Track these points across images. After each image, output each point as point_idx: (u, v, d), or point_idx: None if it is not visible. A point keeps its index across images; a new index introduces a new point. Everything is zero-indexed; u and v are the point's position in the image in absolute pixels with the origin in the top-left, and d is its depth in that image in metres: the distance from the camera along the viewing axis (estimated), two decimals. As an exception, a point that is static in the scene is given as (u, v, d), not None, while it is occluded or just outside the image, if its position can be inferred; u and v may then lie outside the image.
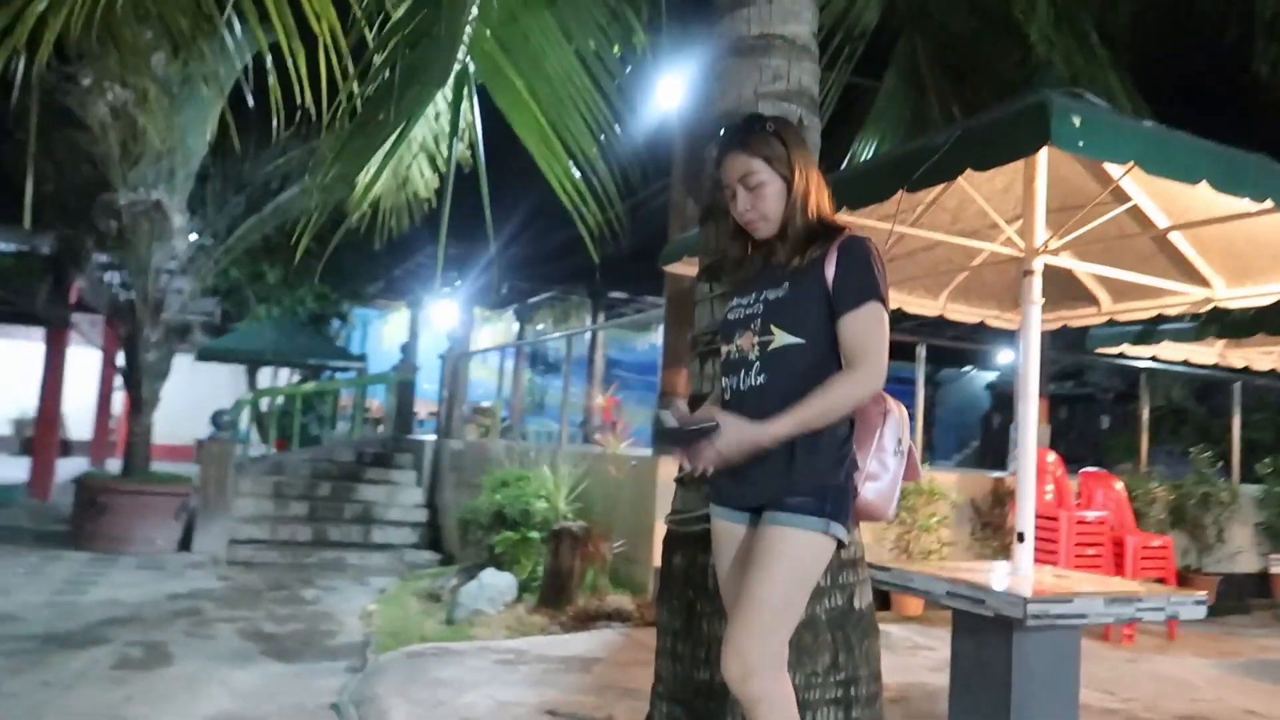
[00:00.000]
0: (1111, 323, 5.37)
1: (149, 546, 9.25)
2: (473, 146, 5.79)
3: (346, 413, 16.76)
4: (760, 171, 2.23)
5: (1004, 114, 2.88)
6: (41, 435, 13.54)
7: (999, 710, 3.79)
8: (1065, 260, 4.54)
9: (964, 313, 5.59)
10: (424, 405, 15.83)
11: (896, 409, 2.30)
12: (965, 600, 3.75)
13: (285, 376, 18.29)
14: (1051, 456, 6.99)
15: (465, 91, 4.65)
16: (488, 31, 4.39)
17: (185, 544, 9.54)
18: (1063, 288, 5.29)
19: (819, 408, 2.10)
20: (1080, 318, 5.40)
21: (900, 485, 2.28)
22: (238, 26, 5.05)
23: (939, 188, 4.71)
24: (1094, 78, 5.06)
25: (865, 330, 2.14)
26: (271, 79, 4.40)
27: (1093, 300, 5.27)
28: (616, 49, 4.47)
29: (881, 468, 2.23)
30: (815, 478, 2.14)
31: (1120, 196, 4.40)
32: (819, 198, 2.28)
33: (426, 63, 4.32)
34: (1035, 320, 4.11)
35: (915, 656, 5.88)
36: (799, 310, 2.20)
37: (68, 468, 13.78)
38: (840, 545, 2.18)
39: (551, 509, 6.76)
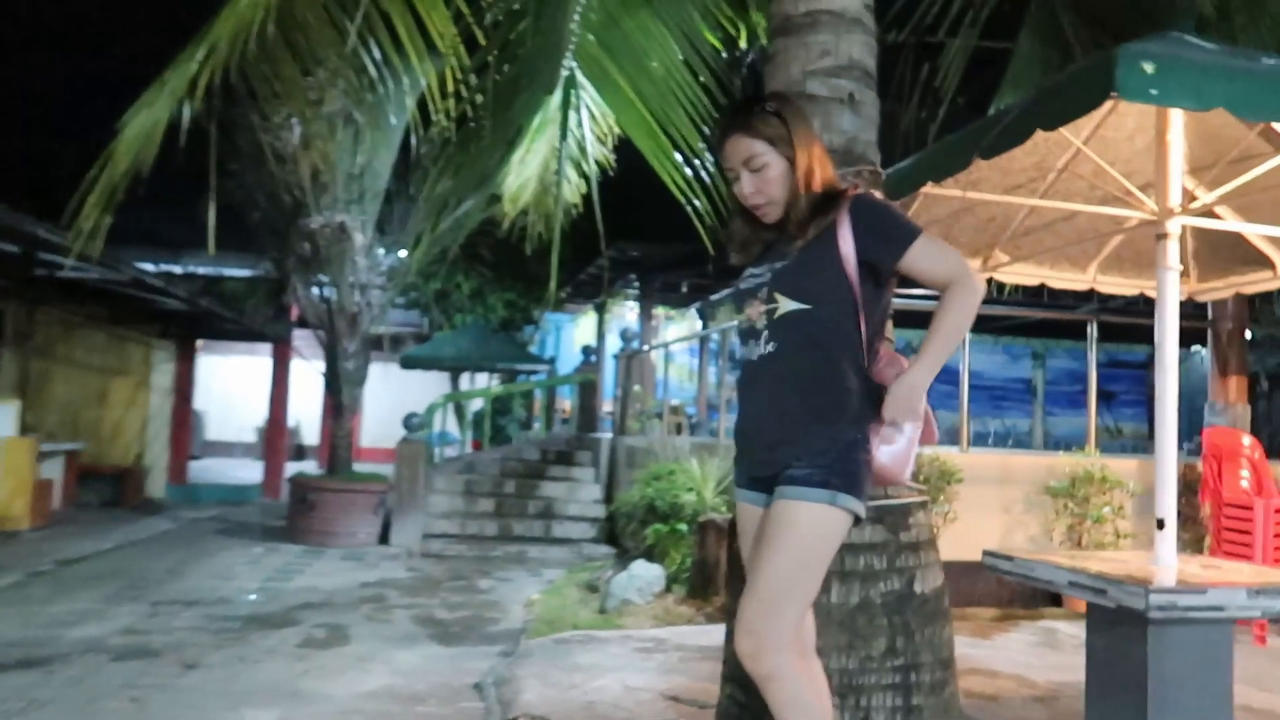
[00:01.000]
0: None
1: (352, 539, 10.10)
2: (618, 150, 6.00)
3: (540, 414, 17.56)
4: (764, 154, 2.22)
5: (1075, 69, 2.70)
6: (271, 441, 15.08)
7: (1134, 714, 3.52)
8: (1215, 221, 4.14)
9: (1119, 285, 5.19)
10: (612, 405, 16.32)
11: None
12: (1088, 591, 3.52)
13: (485, 381, 19.36)
14: (1248, 439, 6.32)
15: (573, 95, 4.85)
16: (590, 36, 4.56)
17: (384, 538, 10.34)
18: (1230, 251, 4.81)
19: (948, 329, 2.11)
20: (1254, 283, 4.88)
21: (916, 449, 2.23)
22: (377, 53, 5.47)
23: (1066, 154, 4.43)
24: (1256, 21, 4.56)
25: (934, 256, 2.14)
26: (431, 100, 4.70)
27: (1267, 263, 4.76)
28: (714, 40, 4.51)
29: (895, 430, 2.18)
30: (820, 448, 2.11)
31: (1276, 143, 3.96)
32: (822, 171, 2.25)
33: (534, 71, 4.54)
34: (1172, 289, 3.77)
35: (1078, 655, 5.49)
36: (805, 276, 2.18)
37: (299, 470, 15.29)
38: (857, 519, 2.14)
39: (700, 501, 6.84)
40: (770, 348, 2.19)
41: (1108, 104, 4.16)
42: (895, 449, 2.18)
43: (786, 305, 2.17)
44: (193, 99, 3.92)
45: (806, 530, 2.08)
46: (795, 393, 2.16)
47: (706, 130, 4.53)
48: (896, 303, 2.77)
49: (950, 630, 2.72)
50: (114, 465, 13.60)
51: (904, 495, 2.73)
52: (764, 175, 2.22)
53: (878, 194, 2.22)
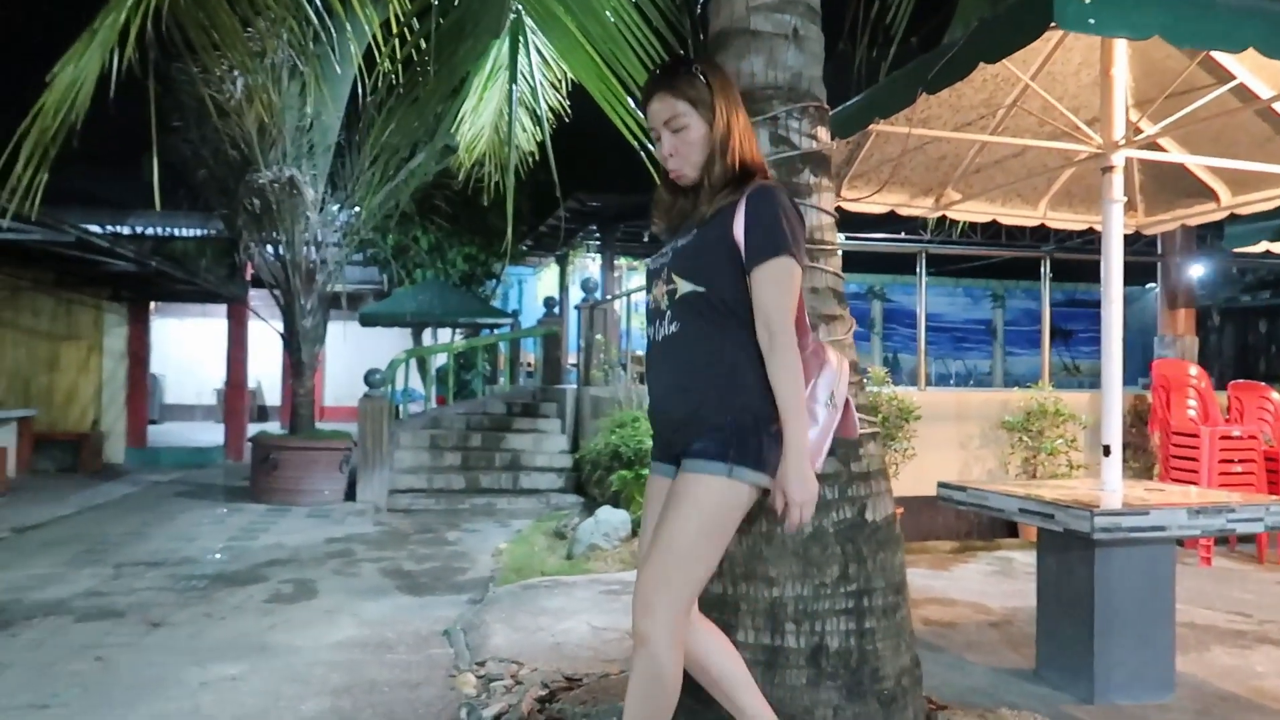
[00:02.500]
0: (1234, 218, 4.91)
1: (318, 497, 10.08)
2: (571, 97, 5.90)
3: (504, 368, 17.51)
4: (685, 115, 2.19)
5: (1018, 1, 2.70)
6: (231, 402, 14.92)
7: (1081, 630, 3.66)
8: (1159, 154, 4.20)
9: (1068, 220, 5.26)
10: (575, 357, 16.31)
11: (835, 361, 2.26)
12: (1038, 517, 3.63)
13: (448, 336, 19.25)
14: (1195, 370, 6.48)
15: (521, 39, 4.76)
16: (535, -24, 4.46)
17: (350, 495, 10.33)
18: (1175, 184, 4.88)
19: (791, 396, 2.07)
20: (1199, 214, 4.97)
21: (830, 438, 2.22)
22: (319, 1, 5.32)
23: (1015, 90, 4.46)
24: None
25: (772, 289, 2.08)
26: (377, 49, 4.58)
27: (1210, 195, 4.84)
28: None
29: (810, 419, 2.17)
30: (717, 423, 2.10)
31: (1222, 76, 4.01)
32: (743, 144, 2.21)
33: (477, 15, 4.45)
34: (1116, 221, 3.84)
35: (1032, 582, 5.66)
36: (700, 257, 2.16)
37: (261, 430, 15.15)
38: (765, 493, 2.16)
39: (663, 446, 6.88)
40: (673, 328, 2.17)
41: (1054, 38, 4.18)
42: (809, 436, 2.16)
43: (684, 286, 2.15)
44: (123, 49, 3.80)
45: (703, 503, 2.08)
46: (695, 372, 2.15)
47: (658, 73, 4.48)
48: (855, 245, 2.79)
49: (902, 556, 2.79)
50: (69, 431, 13.40)
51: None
52: (684, 137, 2.20)
53: (784, 197, 2.18)
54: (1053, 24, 2.43)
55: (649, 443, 7.13)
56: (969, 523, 6.89)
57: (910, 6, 5.25)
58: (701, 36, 5.07)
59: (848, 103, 3.65)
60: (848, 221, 4.70)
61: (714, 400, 2.11)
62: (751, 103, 2.81)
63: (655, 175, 4.90)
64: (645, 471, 7.04)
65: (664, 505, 2.14)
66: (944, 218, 5.90)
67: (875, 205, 4.95)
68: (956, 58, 2.75)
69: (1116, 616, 3.54)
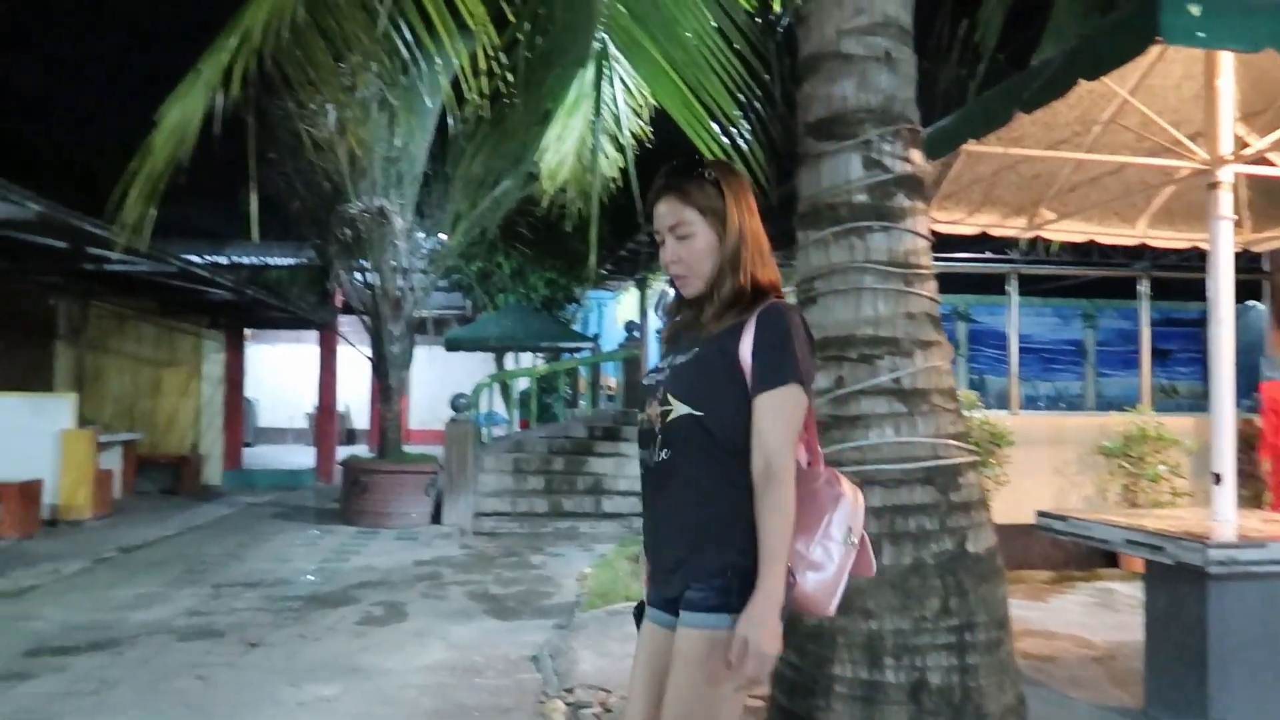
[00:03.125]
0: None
1: (405, 520, 10.26)
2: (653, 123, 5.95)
3: (585, 391, 17.62)
4: (692, 222, 1.99)
5: (1117, 15, 2.62)
6: (322, 426, 15.33)
7: (1194, 669, 3.48)
8: (1269, 169, 4.01)
9: (1170, 238, 5.06)
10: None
11: (851, 494, 2.02)
12: (1145, 549, 3.48)
13: (530, 360, 19.48)
14: (1301, 391, 6.16)
15: (606, 68, 4.81)
16: (620, 6, 4.51)
17: (437, 517, 10.48)
18: (1287, 199, 4.67)
19: (775, 540, 1.84)
20: (1314, 231, 4.74)
21: (845, 580, 1.97)
22: (409, 35, 5.46)
23: (1112, 106, 4.32)
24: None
25: (774, 420, 1.88)
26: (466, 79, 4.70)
27: (1326, 210, 4.61)
28: (747, 4, 4.43)
29: (826, 557, 1.94)
30: (715, 569, 1.89)
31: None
32: (754, 258, 2.00)
33: (564, 45, 4.52)
34: (1225, 239, 3.68)
35: (1136, 615, 5.42)
36: (699, 378, 1.96)
37: (350, 454, 15.54)
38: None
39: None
40: (664, 455, 1.96)
41: (1153, 50, 4.04)
42: (823, 577, 1.94)
43: (679, 409, 1.94)
44: (228, 88, 3.95)
45: (705, 660, 1.85)
46: (689, 508, 1.95)
47: (742, 97, 4.47)
48: (944, 267, 2.74)
49: (1004, 589, 2.69)
50: (170, 454, 13.93)
51: (953, 455, 2.70)
52: (690, 245, 2.00)
53: (789, 305, 1.97)
54: (1158, 38, 2.35)
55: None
56: (1066, 552, 6.64)
57: (999, 22, 5.16)
58: (785, 60, 5.06)
59: (939, 123, 3.59)
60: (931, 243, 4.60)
61: (709, 542, 1.91)
62: (843, 126, 2.79)
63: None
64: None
65: (671, 667, 1.91)
66: (1036, 237, 5.74)
67: (967, 227, 4.85)
68: (1055, 75, 2.68)
69: (1233, 654, 3.36)
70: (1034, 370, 19.74)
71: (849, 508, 1.99)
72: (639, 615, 2.08)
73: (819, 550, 1.94)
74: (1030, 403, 19.05)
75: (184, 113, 3.92)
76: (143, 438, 13.22)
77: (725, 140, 4.74)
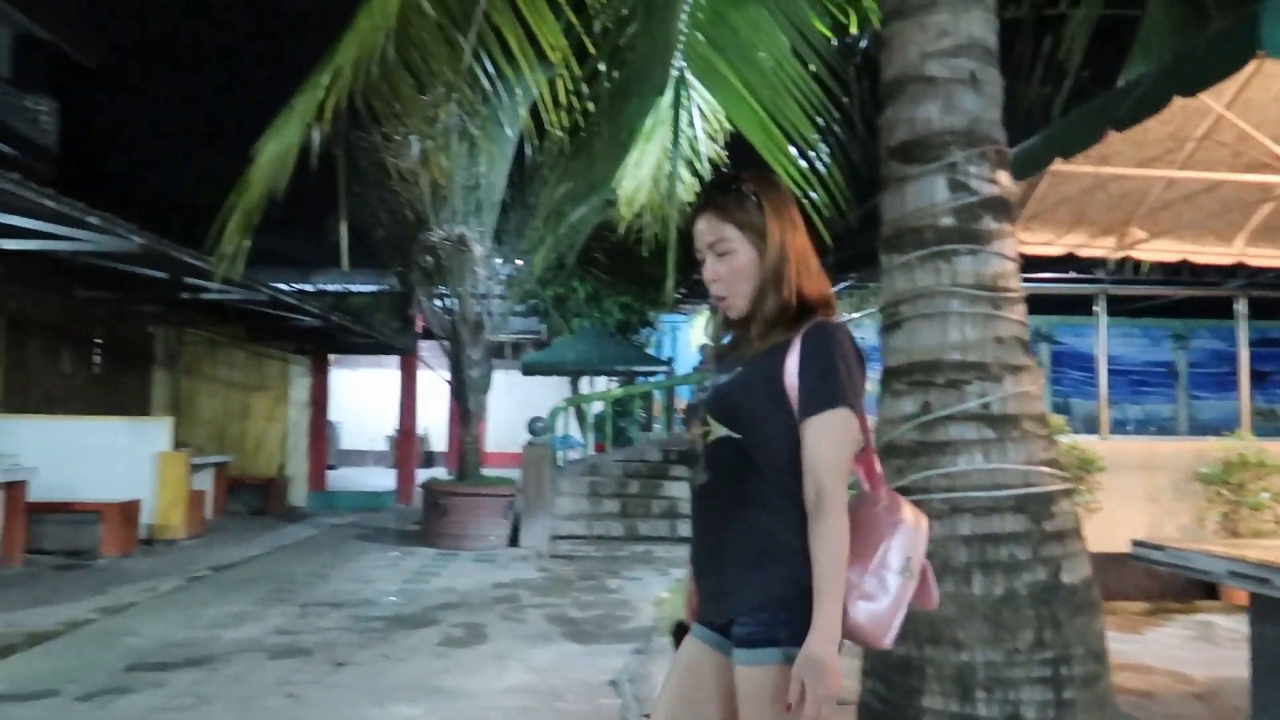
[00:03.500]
0: None
1: (484, 542, 10.38)
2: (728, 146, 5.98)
3: (660, 415, 17.64)
4: (731, 239, 1.92)
5: (1215, 30, 2.55)
6: (402, 448, 15.65)
7: (1307, 707, 3.31)
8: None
9: (1270, 256, 4.87)
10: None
11: (913, 520, 1.90)
12: (1251, 581, 3.33)
13: (604, 384, 19.58)
14: None
15: (683, 95, 4.86)
16: (698, 34, 4.56)
17: (514, 540, 10.59)
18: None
19: (831, 573, 1.75)
20: None
21: (903, 612, 1.85)
22: (490, 67, 5.59)
23: (1206, 121, 4.20)
24: None
25: (822, 445, 1.79)
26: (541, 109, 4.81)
27: None
28: (824, 28, 4.44)
29: (880, 587, 1.83)
30: (758, 602, 1.82)
31: None
32: (798, 273, 1.91)
33: (643, 74, 4.57)
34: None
35: (1238, 649, 5.18)
36: (739, 399, 1.88)
37: (430, 476, 15.82)
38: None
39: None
40: (706, 477, 1.90)
41: (1251, 65, 3.92)
42: (875, 608, 1.83)
43: (719, 431, 1.88)
44: (321, 123, 4.09)
45: (766, 697, 1.78)
46: (730, 534, 1.88)
47: (820, 121, 4.47)
48: (1030, 288, 2.68)
49: (1101, 622, 2.61)
50: (259, 476, 14.36)
51: (1046, 482, 2.64)
52: (729, 263, 1.93)
53: (838, 324, 1.89)
54: (1260, 52, 2.28)
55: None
56: (1161, 582, 6.39)
57: (1085, 39, 5.05)
58: (864, 82, 5.04)
59: (1025, 143, 3.53)
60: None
61: (750, 571, 1.84)
62: (928, 149, 2.76)
63: (818, 223, 4.87)
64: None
65: (740, 707, 1.83)
66: (1125, 257, 5.58)
67: (1054, 248, 4.74)
68: (1149, 92, 2.62)
69: (1351, 695, 3.19)
70: (1123, 393, 19.12)
71: (909, 535, 1.89)
72: (677, 635, 2.03)
73: (873, 580, 1.85)
74: (1119, 427, 18.45)
75: (280, 147, 4.07)
76: (233, 460, 13.66)
77: (803, 164, 4.75)
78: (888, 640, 1.85)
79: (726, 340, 2.03)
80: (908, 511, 1.91)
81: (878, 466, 1.99)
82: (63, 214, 6.56)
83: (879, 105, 3.15)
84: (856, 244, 6.66)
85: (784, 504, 1.83)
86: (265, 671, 5.19)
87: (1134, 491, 6.34)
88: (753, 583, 1.82)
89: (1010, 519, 2.56)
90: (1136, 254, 5.08)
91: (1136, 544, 3.82)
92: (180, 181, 18.25)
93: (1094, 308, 6.93)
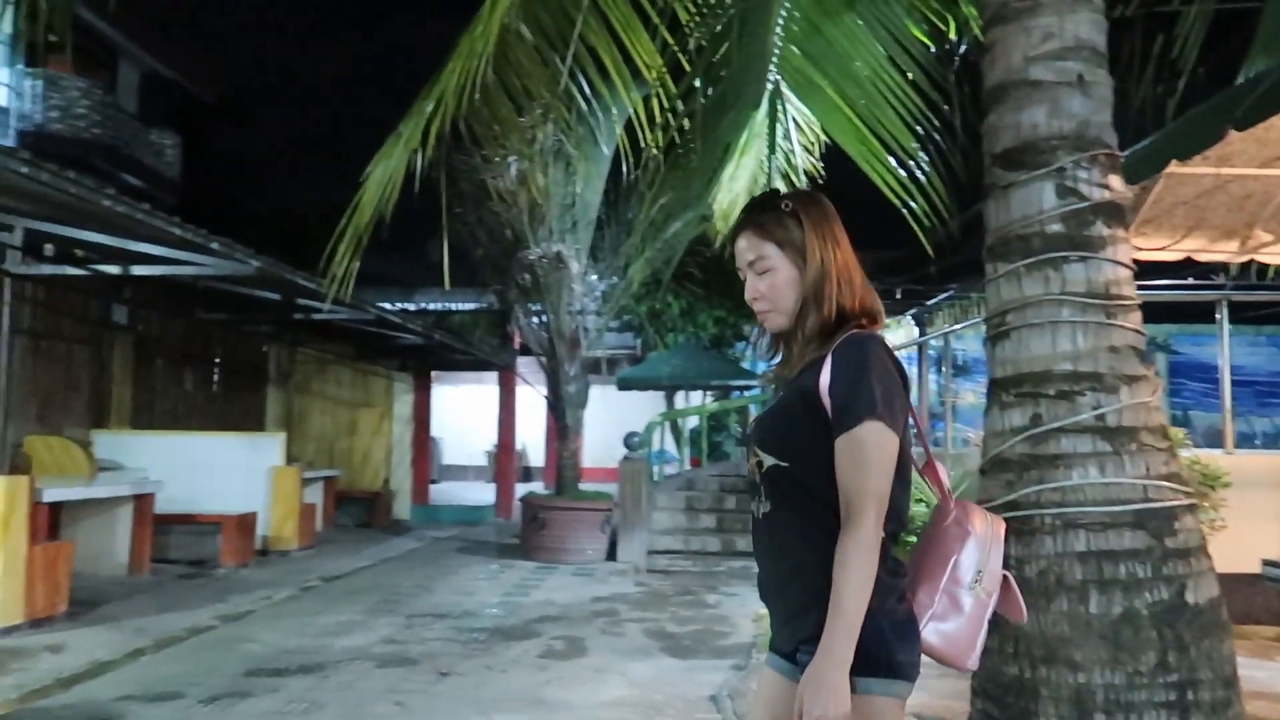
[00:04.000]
0: None
1: (581, 556, 10.48)
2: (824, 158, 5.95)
3: (755, 429, 17.53)
4: (771, 257, 1.89)
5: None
6: (501, 463, 15.93)
7: None
8: None
9: None
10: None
11: (982, 529, 1.82)
12: (1397, 604, 3.12)
13: (699, 398, 19.57)
14: None
15: (779, 108, 4.85)
16: (793, 47, 4.55)
17: (611, 554, 10.65)
18: None
19: (847, 594, 1.67)
20: None
21: (984, 630, 1.78)
22: (585, 86, 5.68)
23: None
24: None
25: (852, 462, 1.72)
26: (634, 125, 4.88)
27: None
28: (921, 35, 4.37)
29: (951, 606, 1.76)
30: (818, 631, 1.69)
31: None
32: (840, 289, 1.87)
33: (738, 88, 4.58)
34: None
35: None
36: (780, 425, 1.86)
37: (529, 491, 16.08)
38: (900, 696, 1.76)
39: (929, 511, 6.58)
40: (768, 507, 1.86)
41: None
42: (948, 628, 1.76)
43: (768, 460, 1.84)
44: (425, 148, 4.23)
45: None
46: (788, 563, 1.83)
47: (919, 129, 4.40)
48: (1146, 295, 2.58)
49: (1230, 646, 2.48)
50: (365, 490, 14.82)
51: (1167, 497, 2.52)
52: (769, 280, 1.90)
53: (890, 335, 1.93)
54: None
55: (914, 508, 6.85)
56: (1295, 605, 6.02)
57: (1200, 36, 4.84)
58: (964, 88, 4.94)
59: (1138, 145, 3.41)
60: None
61: (811, 600, 1.75)
62: (1034, 155, 2.69)
63: (919, 232, 4.78)
64: (911, 539, 6.75)
65: None
66: (1249, 261, 5.31)
67: (1171, 253, 4.55)
68: (1273, 88, 2.50)
69: None
70: (1248, 405, 18.15)
71: (979, 548, 1.81)
72: None
73: (944, 599, 1.78)
74: (1245, 441, 17.52)
75: (387, 171, 4.22)
76: (341, 474, 14.14)
77: (902, 173, 4.68)
78: (970, 662, 1.79)
79: (778, 360, 1.97)
80: (978, 521, 1.84)
81: (944, 478, 1.93)
82: (188, 240, 6.93)
83: (981, 111, 3.09)
84: (959, 253, 6.52)
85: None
86: (374, 679, 5.35)
87: (1263, 509, 6.00)
88: (814, 614, 1.74)
89: (1129, 535, 2.46)
90: (1262, 258, 4.83)
91: (1268, 563, 3.63)
92: (289, 208, 19.09)
93: (1216, 315, 6.61)
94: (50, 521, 7.50)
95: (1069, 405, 2.59)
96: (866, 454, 1.71)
